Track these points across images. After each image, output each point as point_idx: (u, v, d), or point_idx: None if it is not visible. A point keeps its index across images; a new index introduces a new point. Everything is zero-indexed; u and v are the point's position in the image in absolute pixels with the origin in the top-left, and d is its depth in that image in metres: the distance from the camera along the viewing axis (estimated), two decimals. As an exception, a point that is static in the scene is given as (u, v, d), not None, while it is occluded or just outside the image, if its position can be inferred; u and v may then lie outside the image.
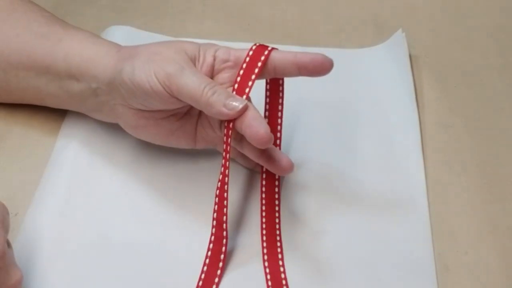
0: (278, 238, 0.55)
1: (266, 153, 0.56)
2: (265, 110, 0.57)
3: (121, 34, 0.69)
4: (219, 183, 0.53)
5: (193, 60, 0.54)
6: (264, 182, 0.57)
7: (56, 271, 0.53)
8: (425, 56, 0.72)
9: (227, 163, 0.52)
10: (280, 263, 0.54)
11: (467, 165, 0.62)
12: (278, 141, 0.57)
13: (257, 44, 0.54)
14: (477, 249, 0.56)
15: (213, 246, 0.53)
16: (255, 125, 0.50)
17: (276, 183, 0.57)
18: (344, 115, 0.65)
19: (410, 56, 0.71)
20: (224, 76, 0.55)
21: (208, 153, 0.60)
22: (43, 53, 0.58)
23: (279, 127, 0.57)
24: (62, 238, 0.54)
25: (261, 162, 0.56)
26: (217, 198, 0.53)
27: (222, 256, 0.53)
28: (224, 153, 0.52)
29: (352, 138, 0.64)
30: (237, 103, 0.51)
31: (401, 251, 0.55)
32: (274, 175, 0.57)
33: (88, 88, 0.57)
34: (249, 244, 0.55)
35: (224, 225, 0.53)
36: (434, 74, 0.71)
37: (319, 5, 0.79)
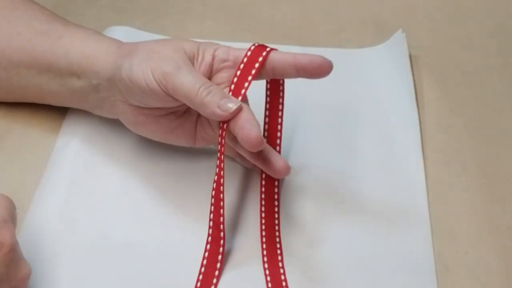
0: (277, 239, 0.55)
1: (262, 155, 0.56)
2: (266, 110, 0.57)
3: (121, 34, 0.69)
4: (215, 184, 0.53)
5: (192, 59, 0.54)
6: (263, 183, 0.57)
7: (56, 271, 0.53)
8: (425, 56, 0.72)
9: (222, 164, 0.52)
10: (280, 264, 0.54)
11: (467, 165, 0.62)
12: (278, 141, 0.57)
13: (256, 44, 0.54)
14: (477, 249, 0.55)
15: (210, 246, 0.53)
16: (247, 127, 0.50)
17: (276, 183, 0.57)
18: (344, 115, 0.65)
19: (410, 56, 0.71)
20: (223, 76, 0.54)
21: (209, 153, 0.60)
22: (44, 51, 0.58)
23: (279, 126, 0.57)
24: (62, 238, 0.54)
25: (257, 163, 0.56)
26: (213, 199, 0.53)
27: (219, 257, 0.53)
28: (218, 154, 0.52)
29: (352, 138, 0.64)
30: (231, 105, 0.51)
31: (401, 252, 0.55)
32: None
33: (89, 84, 0.57)
34: (248, 245, 0.55)
35: (221, 225, 0.53)
36: (434, 74, 0.71)
37: (319, 5, 0.79)
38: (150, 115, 0.56)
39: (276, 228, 0.56)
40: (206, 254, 0.53)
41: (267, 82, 0.56)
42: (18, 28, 0.59)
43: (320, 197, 0.58)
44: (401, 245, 0.55)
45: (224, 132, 0.52)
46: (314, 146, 0.63)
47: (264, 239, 0.55)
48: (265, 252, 0.54)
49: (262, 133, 0.54)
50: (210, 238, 0.54)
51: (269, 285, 0.52)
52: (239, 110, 0.51)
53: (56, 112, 0.63)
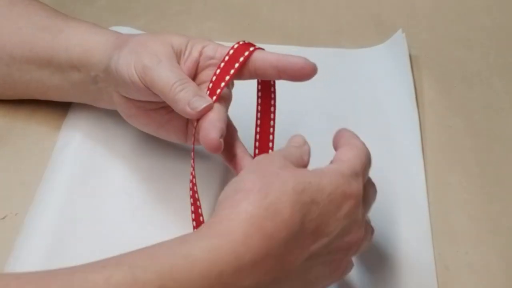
0: None
1: (235, 160, 0.54)
2: (257, 111, 0.55)
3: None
4: (190, 184, 0.51)
5: (179, 54, 0.53)
6: None
7: (56, 271, 0.53)
8: (425, 56, 0.72)
9: (194, 163, 0.51)
10: None
11: (467, 165, 0.62)
12: (270, 144, 0.55)
13: (241, 42, 0.53)
14: (477, 249, 0.55)
15: None
16: (207, 128, 0.49)
17: None
18: (344, 115, 0.65)
19: (410, 56, 0.71)
20: (208, 73, 0.53)
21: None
22: (45, 46, 0.58)
23: (271, 129, 0.55)
24: (62, 238, 0.54)
25: (230, 167, 0.55)
26: (191, 199, 0.52)
27: None
28: (192, 153, 0.52)
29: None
30: (200, 103, 0.50)
31: (401, 251, 0.55)
32: None
33: (88, 76, 0.57)
34: None
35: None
36: (434, 74, 0.71)
37: (319, 5, 0.79)
38: (141, 107, 0.55)
39: None
40: None
41: (258, 83, 0.55)
42: (19, 23, 0.60)
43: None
44: (401, 245, 0.55)
45: (195, 131, 0.51)
46: (313, 146, 0.62)
47: None
48: None
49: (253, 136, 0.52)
50: None
51: None
52: (207, 109, 0.50)
53: (56, 112, 0.63)
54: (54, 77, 0.59)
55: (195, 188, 0.51)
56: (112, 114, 0.61)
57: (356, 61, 0.72)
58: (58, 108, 0.64)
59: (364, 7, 0.79)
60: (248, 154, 0.55)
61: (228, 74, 0.52)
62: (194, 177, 0.51)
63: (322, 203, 0.43)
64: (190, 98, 0.50)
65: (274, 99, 0.55)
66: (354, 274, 0.53)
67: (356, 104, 0.67)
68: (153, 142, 0.60)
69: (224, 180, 0.57)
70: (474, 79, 0.71)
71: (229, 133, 0.54)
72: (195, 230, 0.52)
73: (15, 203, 0.57)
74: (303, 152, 0.48)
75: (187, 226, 0.56)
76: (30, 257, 0.53)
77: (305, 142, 0.49)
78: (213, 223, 0.42)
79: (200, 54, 0.54)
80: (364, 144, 0.48)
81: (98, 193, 0.58)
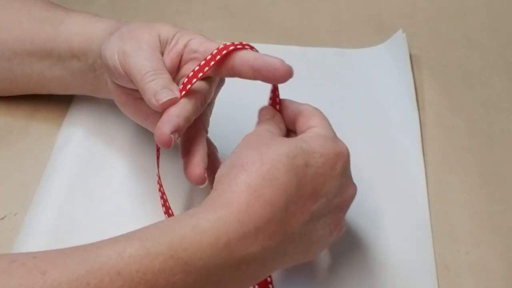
0: None
1: (189, 159, 0.53)
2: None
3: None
4: (157, 178, 0.51)
5: (164, 44, 0.53)
6: None
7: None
8: (425, 56, 0.72)
9: (159, 160, 0.51)
10: None
11: (467, 165, 0.62)
12: None
13: (229, 43, 0.51)
14: (477, 249, 0.55)
15: None
16: (163, 121, 0.48)
17: None
18: (344, 115, 0.65)
19: (410, 56, 0.71)
20: (190, 67, 0.52)
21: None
22: (46, 37, 0.58)
23: None
24: (61, 238, 0.54)
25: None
26: (161, 200, 0.52)
27: None
28: (156, 151, 0.51)
29: (352, 138, 0.63)
30: (165, 95, 0.49)
31: (401, 251, 0.55)
32: None
33: (87, 64, 0.57)
34: None
35: None
36: (434, 74, 0.71)
37: (319, 5, 0.79)
38: (130, 95, 0.55)
39: None
40: None
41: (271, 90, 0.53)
42: (20, 17, 0.60)
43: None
44: (401, 245, 0.55)
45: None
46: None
47: None
48: None
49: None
50: None
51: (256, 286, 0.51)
52: (171, 103, 0.49)
53: (56, 112, 0.64)
54: (54, 68, 0.59)
55: (162, 189, 0.51)
56: (112, 113, 0.61)
57: (356, 61, 0.72)
58: (58, 107, 0.64)
59: (364, 7, 0.79)
60: (200, 158, 0.53)
61: (203, 71, 0.50)
62: (159, 178, 0.51)
63: (315, 165, 0.45)
64: (158, 89, 0.49)
65: (280, 104, 0.54)
66: (354, 274, 0.53)
67: (356, 104, 0.67)
68: (153, 141, 0.59)
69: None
70: (474, 79, 0.71)
71: (204, 147, 0.53)
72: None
73: (15, 203, 0.57)
74: (278, 121, 0.50)
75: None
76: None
77: (275, 112, 0.51)
78: (216, 196, 0.44)
79: (185, 46, 0.53)
80: (311, 106, 0.51)
81: (98, 192, 0.58)
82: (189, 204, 0.57)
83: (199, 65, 0.51)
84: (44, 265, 0.38)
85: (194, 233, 0.41)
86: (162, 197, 0.52)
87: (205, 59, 0.51)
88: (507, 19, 0.78)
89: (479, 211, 0.58)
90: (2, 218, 0.56)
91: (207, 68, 0.50)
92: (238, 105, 0.61)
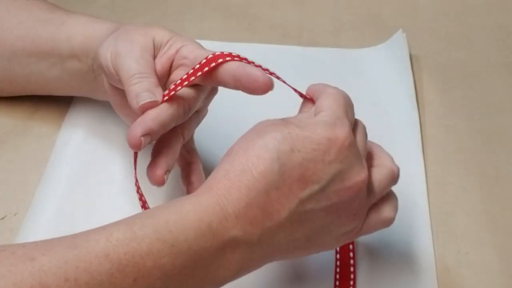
0: None
1: (189, 188, 0.54)
2: None
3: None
4: (135, 180, 0.52)
5: (158, 48, 0.53)
6: None
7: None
8: (425, 56, 0.72)
9: (136, 162, 0.51)
10: None
11: (467, 165, 0.62)
12: None
13: (218, 53, 0.51)
14: (478, 249, 0.56)
15: None
16: (136, 122, 0.49)
17: None
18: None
19: (410, 56, 0.71)
20: (180, 73, 0.53)
21: (211, 152, 0.60)
22: (47, 37, 0.59)
23: None
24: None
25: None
26: (140, 201, 0.52)
27: None
28: (133, 154, 0.51)
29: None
30: (145, 98, 0.50)
31: (401, 251, 0.55)
32: None
33: (86, 64, 0.57)
34: None
35: None
36: (434, 74, 0.71)
37: (319, 5, 0.79)
38: (124, 96, 0.54)
39: None
40: None
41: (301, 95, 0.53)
42: (21, 17, 0.60)
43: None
44: (401, 245, 0.55)
45: None
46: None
47: None
48: None
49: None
50: None
51: None
52: (150, 106, 0.49)
53: (56, 112, 0.64)
54: (54, 69, 0.59)
55: (140, 191, 0.51)
56: (112, 114, 0.61)
57: (356, 61, 0.72)
58: (58, 108, 0.64)
59: (364, 7, 0.79)
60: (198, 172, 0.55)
61: (188, 80, 0.50)
62: (137, 181, 0.51)
63: (304, 151, 0.44)
64: (140, 91, 0.50)
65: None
66: (354, 274, 0.53)
67: (356, 104, 0.67)
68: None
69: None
70: (474, 79, 0.71)
71: (186, 159, 0.55)
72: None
73: (15, 203, 0.57)
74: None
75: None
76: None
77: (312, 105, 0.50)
78: (203, 183, 0.45)
79: (177, 52, 0.53)
80: (338, 89, 0.50)
81: (97, 192, 0.58)
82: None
83: (187, 73, 0.51)
84: (33, 252, 0.39)
85: (178, 216, 0.42)
86: (140, 199, 0.52)
87: (193, 68, 0.51)
88: (507, 19, 0.78)
89: (479, 211, 0.58)
90: (2, 218, 0.56)
91: (193, 78, 0.50)
92: (235, 114, 0.61)
